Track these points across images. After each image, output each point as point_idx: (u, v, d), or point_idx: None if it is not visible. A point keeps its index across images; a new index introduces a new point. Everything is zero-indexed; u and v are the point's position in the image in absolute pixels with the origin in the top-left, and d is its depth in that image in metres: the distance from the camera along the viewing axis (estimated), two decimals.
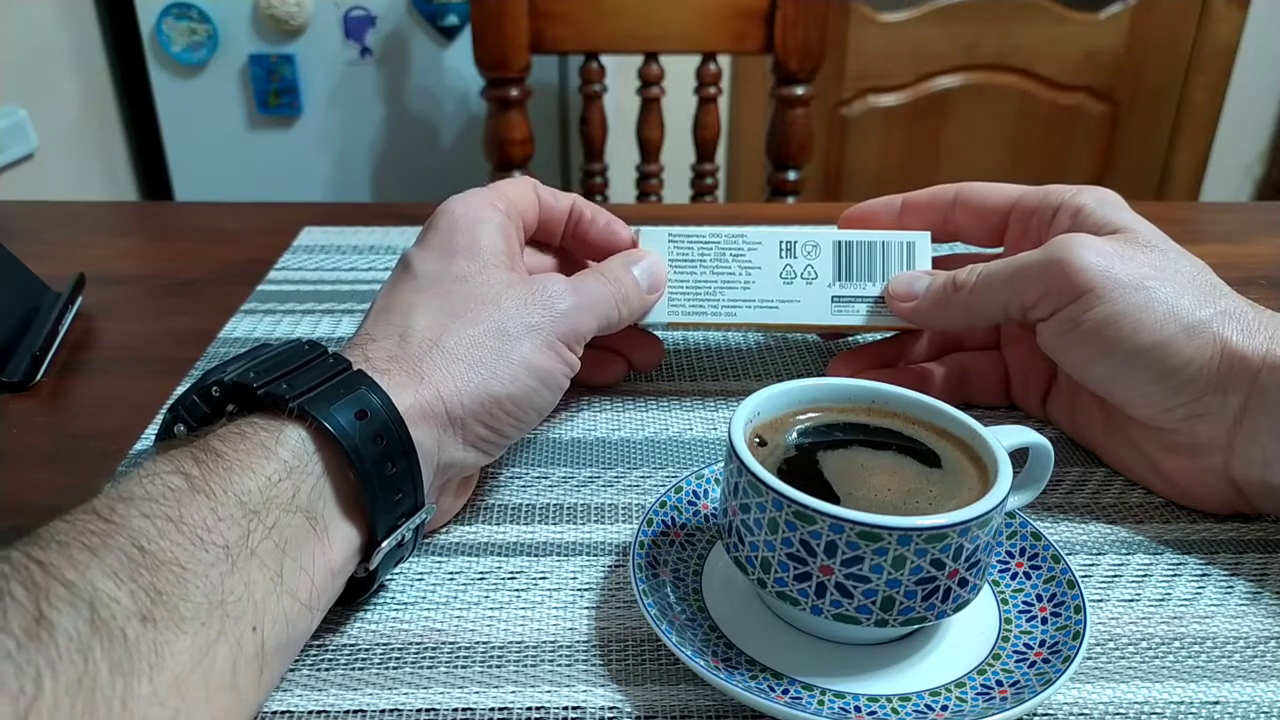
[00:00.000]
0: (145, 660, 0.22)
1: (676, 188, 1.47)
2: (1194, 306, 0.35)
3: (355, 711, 0.28)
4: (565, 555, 0.35)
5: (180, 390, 0.46)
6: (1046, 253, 0.37)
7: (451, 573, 0.34)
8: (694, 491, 0.36)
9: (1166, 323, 0.34)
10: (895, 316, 0.44)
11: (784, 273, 0.44)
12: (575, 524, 0.37)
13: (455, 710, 0.29)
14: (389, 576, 0.34)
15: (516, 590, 0.33)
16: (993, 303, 0.39)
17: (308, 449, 0.29)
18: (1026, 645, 0.30)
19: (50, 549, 0.23)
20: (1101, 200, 0.40)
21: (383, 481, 0.29)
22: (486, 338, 0.34)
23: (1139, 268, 0.36)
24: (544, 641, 0.31)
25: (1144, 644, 0.31)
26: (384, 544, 0.30)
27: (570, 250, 0.45)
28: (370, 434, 0.29)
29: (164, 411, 0.31)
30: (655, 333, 0.47)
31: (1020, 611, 0.31)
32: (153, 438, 0.42)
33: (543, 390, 0.35)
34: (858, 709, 0.27)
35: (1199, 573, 0.34)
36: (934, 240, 0.44)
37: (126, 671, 0.22)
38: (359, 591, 0.32)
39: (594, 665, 0.30)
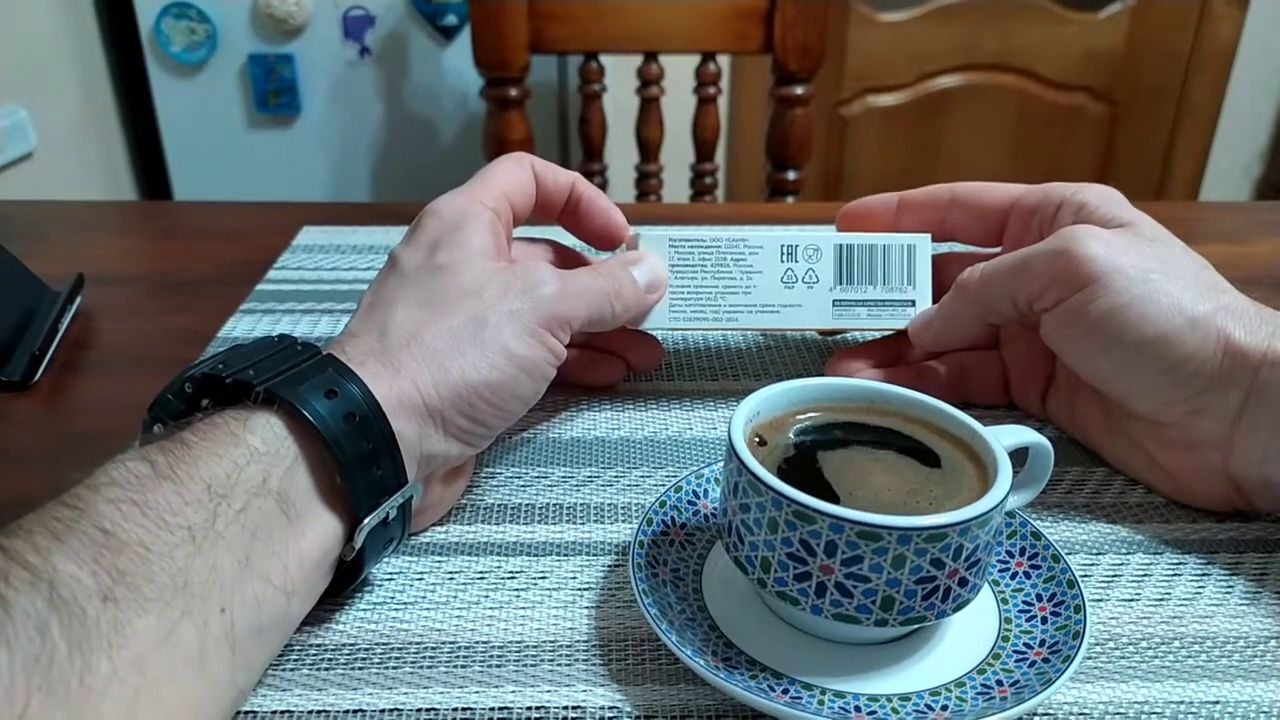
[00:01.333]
0: (105, 638, 0.22)
1: (676, 187, 1.47)
2: (1197, 300, 0.35)
3: (355, 711, 0.28)
4: (565, 555, 0.35)
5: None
6: (1053, 243, 0.37)
7: (451, 572, 0.34)
8: (694, 491, 0.36)
9: (1171, 315, 0.34)
10: (897, 319, 0.44)
11: (785, 277, 0.44)
12: (575, 524, 0.37)
13: (455, 710, 0.29)
14: (387, 575, 0.34)
15: (516, 590, 0.33)
16: (999, 296, 0.39)
17: (278, 434, 0.29)
18: (1026, 645, 0.30)
19: (16, 537, 0.23)
20: (1104, 197, 0.40)
21: (359, 458, 0.29)
22: (465, 328, 0.33)
23: (1144, 260, 0.36)
24: (544, 641, 0.31)
25: (1144, 644, 0.31)
26: (366, 521, 0.30)
27: (566, 229, 0.44)
28: (341, 412, 0.29)
29: (145, 413, 0.31)
30: (654, 333, 0.47)
31: (1020, 611, 0.31)
32: None
33: (523, 378, 0.34)
34: (858, 709, 0.27)
35: (1199, 572, 0.34)
36: (931, 240, 0.44)
37: (85, 649, 0.22)
38: (350, 579, 0.31)
39: (594, 665, 0.30)
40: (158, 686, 0.23)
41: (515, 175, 0.40)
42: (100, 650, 0.22)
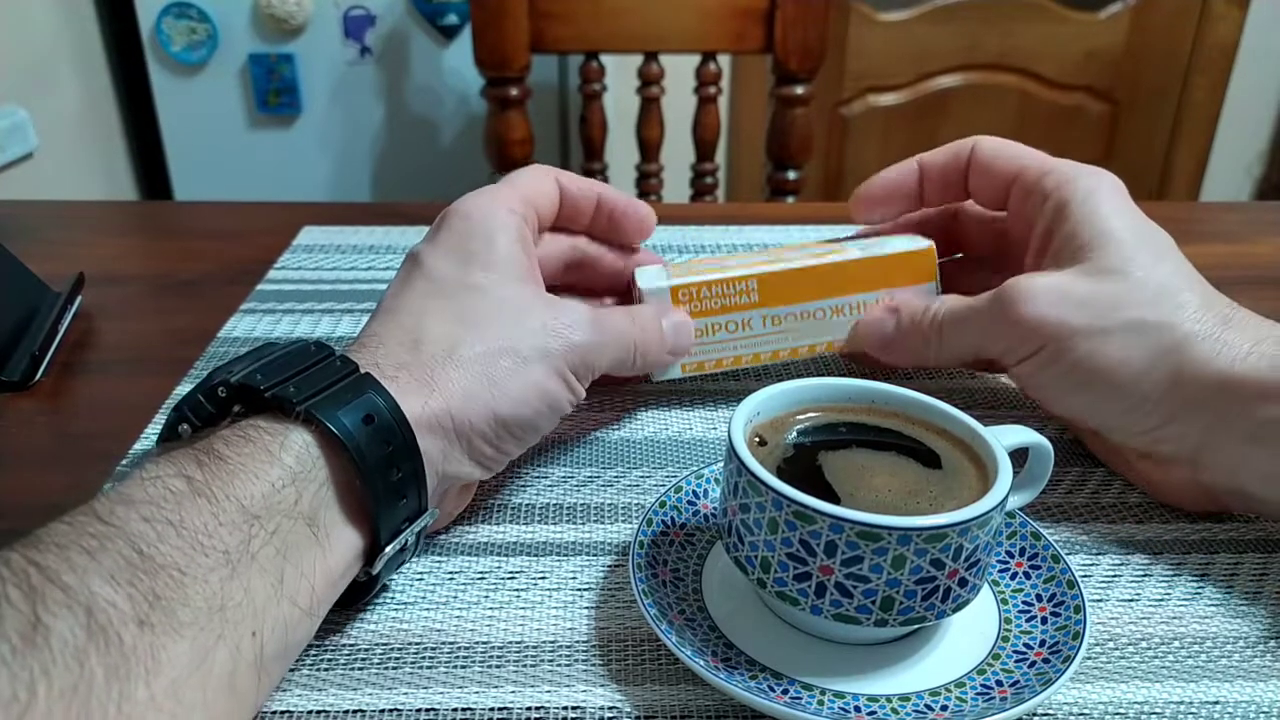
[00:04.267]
0: (142, 665, 0.22)
1: (676, 187, 1.47)
2: (1150, 341, 0.35)
3: (355, 711, 0.28)
4: (565, 555, 0.35)
5: (184, 389, 0.46)
6: (998, 306, 0.38)
7: (451, 572, 0.34)
8: (694, 491, 0.36)
9: (1121, 367, 0.35)
10: None
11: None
12: (575, 524, 0.37)
13: (455, 710, 0.29)
14: (388, 577, 0.34)
15: (516, 590, 0.33)
16: (963, 348, 0.40)
17: (312, 454, 0.28)
18: (1026, 645, 0.30)
19: (49, 552, 0.23)
20: (1088, 196, 0.39)
21: (388, 486, 0.29)
22: (500, 356, 0.33)
23: (1094, 311, 0.36)
24: (544, 641, 0.31)
25: (1144, 644, 0.31)
26: (387, 549, 0.30)
27: (596, 237, 0.44)
28: (377, 438, 0.29)
29: (169, 411, 0.31)
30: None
31: (1020, 611, 0.31)
32: (154, 438, 0.42)
33: (546, 414, 0.35)
34: (857, 709, 0.27)
35: (1199, 573, 0.34)
36: (953, 200, 0.45)
37: (122, 676, 0.22)
38: (360, 594, 0.32)
39: (594, 665, 0.30)
40: (192, 713, 0.23)
41: (541, 182, 0.41)
42: (137, 677, 0.22)
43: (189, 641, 0.23)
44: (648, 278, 0.43)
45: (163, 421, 0.43)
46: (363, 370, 0.31)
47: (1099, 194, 0.39)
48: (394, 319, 0.34)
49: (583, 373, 0.36)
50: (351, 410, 0.29)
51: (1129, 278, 0.36)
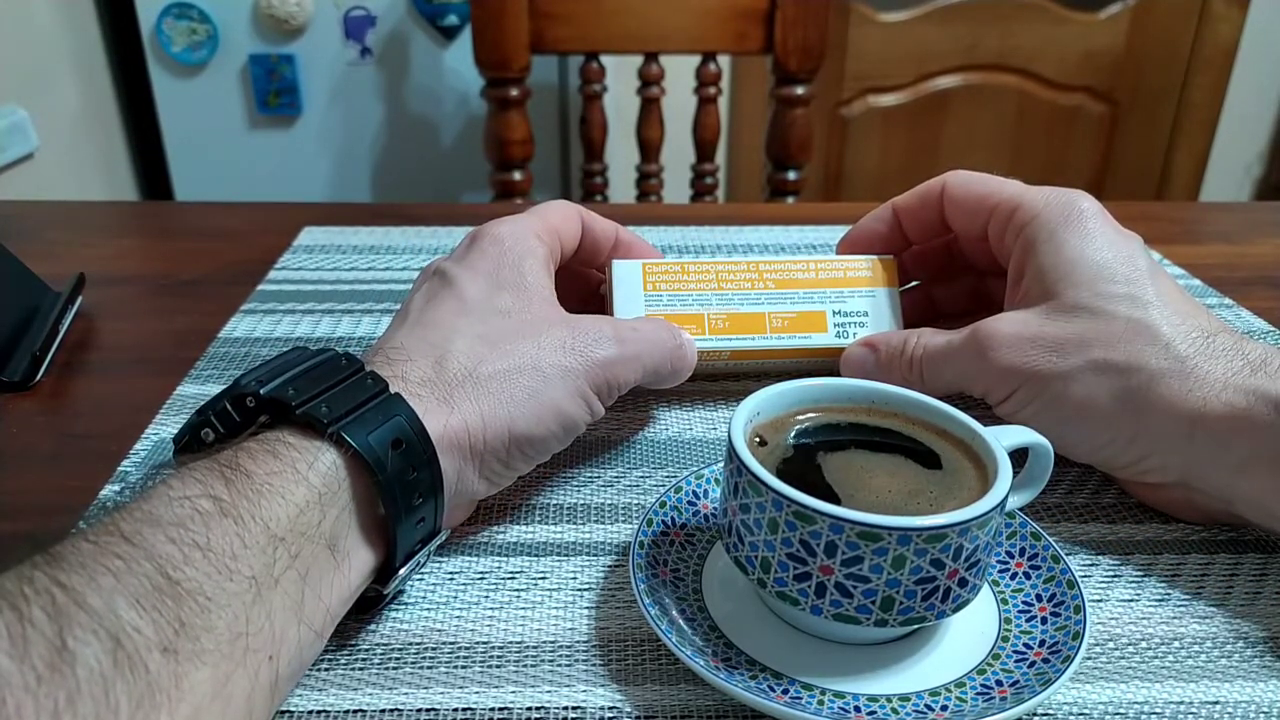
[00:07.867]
0: (165, 693, 0.22)
1: (676, 188, 1.48)
2: (1117, 382, 0.35)
3: (355, 711, 0.28)
4: (565, 555, 0.35)
5: (186, 390, 0.46)
6: (970, 350, 0.38)
7: (451, 572, 0.34)
8: (694, 491, 0.36)
9: (1089, 407, 0.36)
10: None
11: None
12: (575, 524, 0.37)
13: (455, 710, 0.29)
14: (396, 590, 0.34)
15: (516, 590, 0.33)
16: (945, 386, 0.41)
17: (339, 475, 0.28)
18: (1026, 645, 0.30)
19: (74, 573, 0.22)
20: (1054, 231, 0.39)
21: (410, 510, 0.30)
22: (520, 374, 0.34)
23: (1060, 353, 0.36)
24: (544, 641, 0.31)
25: (1144, 644, 0.31)
26: (401, 570, 0.30)
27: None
28: (404, 465, 0.29)
29: (192, 414, 0.31)
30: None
31: (1020, 611, 0.31)
32: (154, 438, 0.42)
33: (561, 435, 0.35)
34: (857, 709, 0.27)
35: (1198, 573, 0.34)
36: (939, 235, 0.46)
37: (146, 706, 0.22)
38: (366, 607, 0.32)
39: (594, 665, 0.30)
40: None
41: (567, 216, 0.41)
42: (160, 706, 0.22)
43: (210, 669, 0.23)
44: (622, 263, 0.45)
45: (164, 422, 0.43)
46: (392, 390, 0.31)
47: (1067, 226, 0.39)
48: (422, 334, 0.34)
49: (605, 390, 0.36)
50: (381, 433, 0.29)
51: (1096, 315, 0.36)
